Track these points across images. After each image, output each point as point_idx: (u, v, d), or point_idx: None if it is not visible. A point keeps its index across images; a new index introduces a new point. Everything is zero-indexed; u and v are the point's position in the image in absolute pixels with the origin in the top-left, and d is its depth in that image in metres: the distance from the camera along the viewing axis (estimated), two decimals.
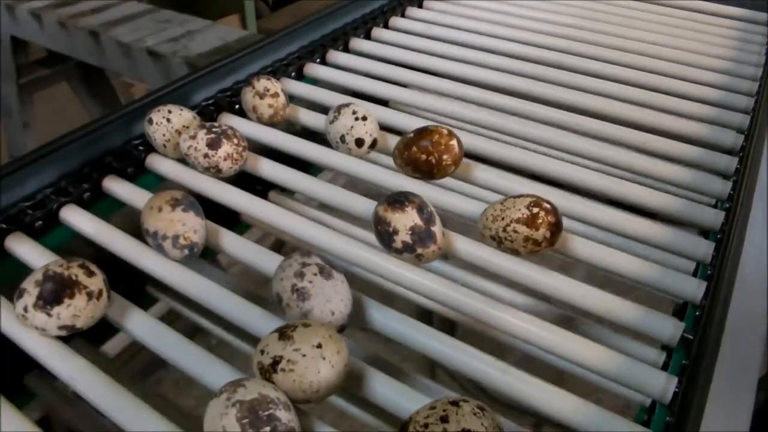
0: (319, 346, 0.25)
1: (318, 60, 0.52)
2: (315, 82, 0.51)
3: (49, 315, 0.28)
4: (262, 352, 0.26)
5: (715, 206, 0.40)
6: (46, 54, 1.20)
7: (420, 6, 0.63)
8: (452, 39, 0.57)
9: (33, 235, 0.37)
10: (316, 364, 0.25)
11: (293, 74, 0.50)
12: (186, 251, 0.34)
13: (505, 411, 0.35)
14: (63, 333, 0.29)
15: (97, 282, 0.30)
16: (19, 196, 0.38)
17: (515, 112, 0.46)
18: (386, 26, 0.59)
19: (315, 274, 0.30)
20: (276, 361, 0.25)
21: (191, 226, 0.34)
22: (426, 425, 0.22)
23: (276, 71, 0.50)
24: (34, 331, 0.29)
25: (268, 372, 0.25)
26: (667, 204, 0.38)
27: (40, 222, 0.37)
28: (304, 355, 0.25)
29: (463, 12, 0.61)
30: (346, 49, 0.55)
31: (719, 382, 0.26)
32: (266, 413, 0.23)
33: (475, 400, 0.23)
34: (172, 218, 0.34)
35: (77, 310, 0.29)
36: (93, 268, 0.30)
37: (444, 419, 0.22)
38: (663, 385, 0.27)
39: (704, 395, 0.25)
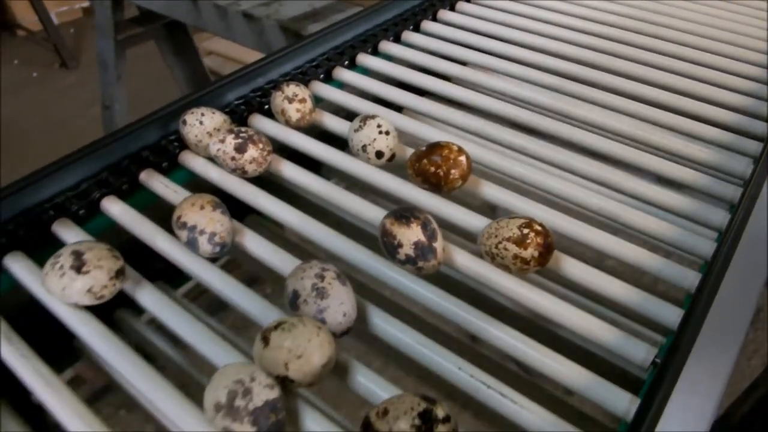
0: (318, 329, 0.30)
1: (346, 63, 0.55)
2: (342, 85, 0.54)
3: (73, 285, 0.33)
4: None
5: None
6: (138, 13, 1.32)
7: (452, 9, 0.65)
8: (481, 46, 0.59)
9: (77, 221, 0.41)
10: (311, 332, 0.29)
11: (322, 77, 0.53)
12: (217, 248, 0.37)
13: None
14: (85, 302, 0.34)
15: (117, 262, 0.34)
16: (66, 186, 0.42)
17: (536, 129, 0.49)
18: (417, 29, 0.61)
19: (333, 279, 0.33)
20: (276, 326, 0.30)
21: (226, 228, 0.38)
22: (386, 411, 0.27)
23: (305, 72, 0.53)
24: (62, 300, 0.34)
25: (268, 332, 0.29)
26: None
27: (83, 210, 0.41)
28: (304, 325, 0.30)
29: (495, 17, 0.63)
30: (375, 52, 0.58)
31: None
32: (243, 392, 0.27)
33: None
34: (212, 217, 0.37)
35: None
36: (115, 252, 0.35)
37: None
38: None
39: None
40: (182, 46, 1.42)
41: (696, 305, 0.32)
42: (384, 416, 0.27)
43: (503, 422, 0.31)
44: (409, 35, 0.60)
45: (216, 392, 0.27)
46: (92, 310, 0.34)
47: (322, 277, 0.33)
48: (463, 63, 0.57)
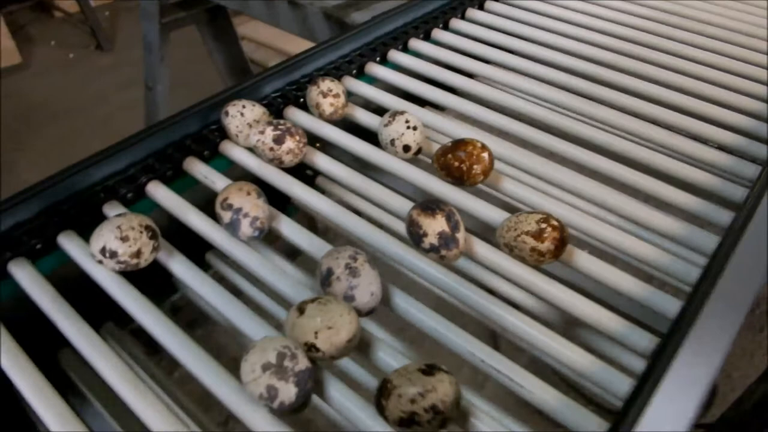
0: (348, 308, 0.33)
1: (378, 59, 0.58)
2: (373, 80, 0.57)
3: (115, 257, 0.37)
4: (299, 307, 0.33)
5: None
6: None
7: (481, 7, 0.67)
8: (508, 46, 0.61)
9: (125, 204, 0.44)
10: (342, 310, 0.33)
11: (354, 72, 0.56)
12: (257, 233, 0.40)
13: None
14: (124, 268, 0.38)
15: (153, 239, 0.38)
16: (115, 170, 0.45)
17: (557, 128, 0.51)
18: (446, 27, 0.64)
19: (365, 262, 0.36)
20: (312, 300, 0.33)
21: (266, 215, 0.41)
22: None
23: (339, 67, 0.56)
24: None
25: (304, 304, 0.33)
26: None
27: (131, 194, 0.45)
28: (337, 303, 0.33)
29: (523, 17, 0.65)
30: (405, 49, 0.60)
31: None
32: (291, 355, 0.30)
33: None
34: (257, 203, 0.40)
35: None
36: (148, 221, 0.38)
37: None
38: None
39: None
40: (222, 30, 1.47)
41: (695, 296, 0.35)
42: (398, 373, 0.31)
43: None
44: (438, 33, 0.62)
45: (265, 354, 0.30)
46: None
47: (354, 259, 0.36)
48: (489, 62, 0.59)
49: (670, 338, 0.32)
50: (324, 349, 0.32)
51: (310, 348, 0.32)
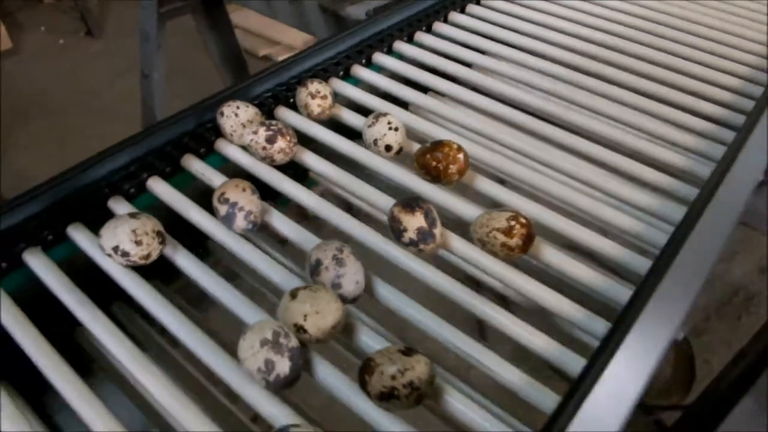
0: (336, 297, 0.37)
1: (363, 61, 0.61)
2: (358, 82, 0.60)
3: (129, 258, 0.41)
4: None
5: None
6: None
7: (462, 11, 0.70)
8: (486, 49, 0.65)
9: (128, 198, 0.48)
10: (330, 298, 0.37)
11: (341, 74, 0.60)
12: (250, 225, 0.44)
13: None
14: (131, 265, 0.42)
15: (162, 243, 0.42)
16: (118, 166, 0.49)
17: (531, 131, 0.55)
18: (429, 30, 0.67)
19: (350, 254, 0.40)
20: (305, 287, 0.37)
21: (259, 210, 0.44)
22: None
23: (326, 69, 0.59)
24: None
25: (296, 291, 0.37)
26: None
27: (133, 189, 0.48)
28: (326, 292, 0.37)
29: (504, 21, 0.69)
30: (390, 51, 0.64)
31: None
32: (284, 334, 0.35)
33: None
34: (251, 199, 0.44)
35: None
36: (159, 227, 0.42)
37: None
38: None
39: None
40: (218, 20, 1.51)
41: (644, 286, 0.39)
42: (381, 353, 0.35)
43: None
44: (421, 36, 0.66)
45: (262, 332, 0.34)
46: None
47: (341, 251, 0.40)
48: (469, 65, 0.63)
49: (619, 323, 0.37)
50: (311, 332, 0.36)
51: (299, 329, 0.36)
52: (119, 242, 0.40)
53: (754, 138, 0.50)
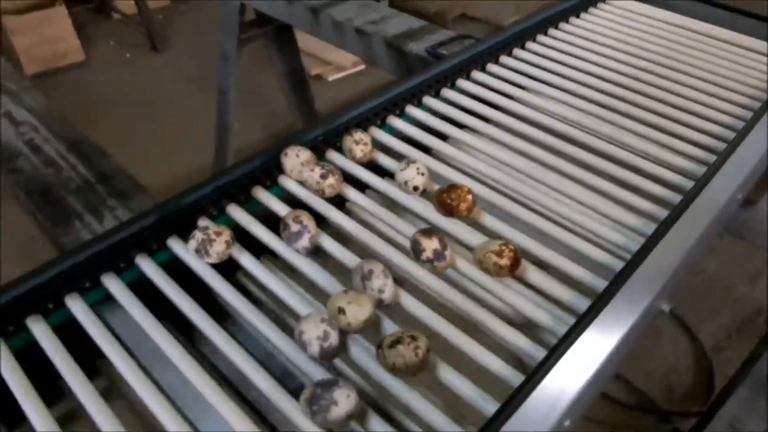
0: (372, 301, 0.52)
1: (398, 113, 0.76)
2: (392, 130, 0.75)
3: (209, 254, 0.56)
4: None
5: None
6: (255, 16, 1.64)
7: (483, 70, 0.85)
8: (506, 107, 0.78)
9: (211, 218, 0.62)
10: (368, 299, 0.51)
11: (378, 123, 0.74)
12: (309, 245, 0.58)
13: None
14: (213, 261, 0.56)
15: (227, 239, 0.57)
16: (205, 195, 0.63)
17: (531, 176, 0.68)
18: (452, 86, 0.82)
19: (382, 271, 0.54)
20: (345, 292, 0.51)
21: (315, 235, 0.59)
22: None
23: (368, 119, 0.74)
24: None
25: (347, 291, 0.51)
26: None
27: (215, 212, 0.63)
28: (365, 295, 0.52)
29: (521, 81, 0.83)
30: (419, 104, 0.78)
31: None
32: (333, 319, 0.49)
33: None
34: (314, 226, 0.59)
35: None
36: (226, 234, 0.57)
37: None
38: None
39: None
40: (287, 46, 1.73)
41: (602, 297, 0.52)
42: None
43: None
44: (446, 92, 0.80)
45: (319, 315, 0.49)
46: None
47: (375, 269, 0.53)
48: (486, 119, 0.77)
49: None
50: (349, 316, 0.50)
51: (340, 311, 0.50)
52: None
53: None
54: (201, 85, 2.62)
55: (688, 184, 0.66)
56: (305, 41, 2.70)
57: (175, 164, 2.12)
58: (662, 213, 0.62)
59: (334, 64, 2.77)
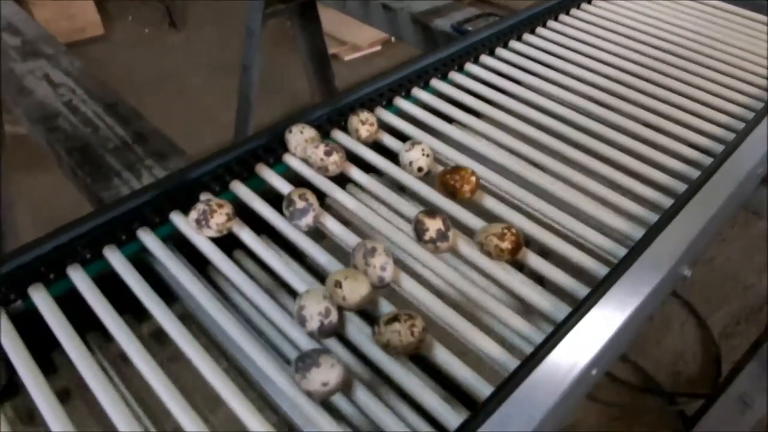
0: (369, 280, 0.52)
1: (404, 94, 0.75)
2: (398, 111, 0.74)
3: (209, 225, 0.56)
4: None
5: None
6: None
7: (492, 54, 0.84)
8: (507, 89, 0.78)
9: (214, 194, 0.62)
10: (364, 277, 0.51)
11: (384, 104, 0.74)
12: (313, 223, 0.58)
13: None
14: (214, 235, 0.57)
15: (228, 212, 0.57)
16: (208, 170, 0.63)
17: (532, 160, 0.68)
18: (461, 70, 0.81)
19: (384, 250, 0.53)
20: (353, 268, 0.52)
21: (319, 214, 0.59)
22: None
23: (373, 99, 0.73)
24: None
25: (348, 269, 0.52)
26: None
27: (218, 188, 0.63)
28: (364, 273, 0.52)
29: (529, 66, 0.82)
30: (426, 86, 0.78)
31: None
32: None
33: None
34: (318, 205, 0.59)
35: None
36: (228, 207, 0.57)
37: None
38: None
39: None
40: (311, 22, 1.75)
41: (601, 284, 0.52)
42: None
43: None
44: (454, 75, 0.79)
45: (320, 291, 0.50)
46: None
47: (376, 247, 0.53)
48: (491, 102, 0.76)
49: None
50: (345, 291, 0.50)
51: (336, 284, 0.50)
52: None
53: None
54: (219, 62, 2.62)
55: (708, 160, 0.67)
56: (324, 20, 2.70)
57: (192, 141, 2.10)
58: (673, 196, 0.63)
59: (351, 44, 2.76)
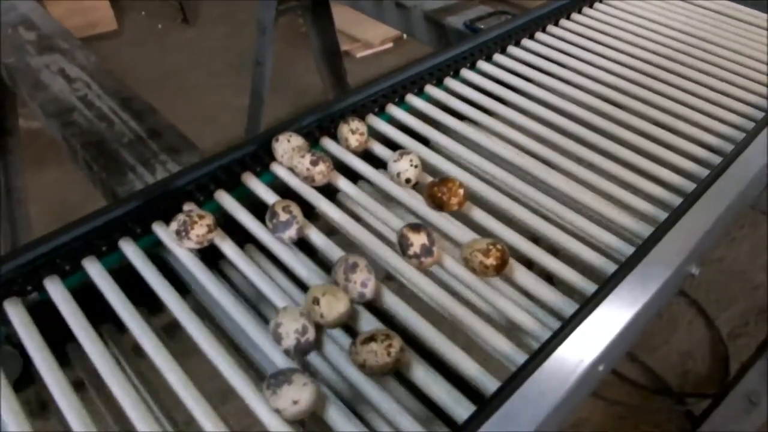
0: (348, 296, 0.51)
1: (397, 101, 0.74)
2: (390, 118, 0.73)
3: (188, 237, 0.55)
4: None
5: None
6: None
7: (488, 59, 0.82)
8: (523, 89, 0.76)
9: (199, 204, 0.62)
10: (343, 294, 0.50)
11: (376, 110, 0.72)
12: (296, 236, 0.57)
13: None
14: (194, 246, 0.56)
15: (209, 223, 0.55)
16: (192, 179, 0.62)
17: (525, 171, 0.66)
18: (456, 75, 0.79)
19: (366, 266, 0.52)
20: (333, 284, 0.51)
21: (303, 226, 0.58)
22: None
23: (365, 106, 0.72)
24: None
25: (326, 285, 0.51)
26: None
27: (202, 197, 0.62)
28: (343, 290, 0.50)
29: (541, 65, 0.80)
30: (420, 92, 0.76)
31: None
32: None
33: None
34: (300, 219, 0.57)
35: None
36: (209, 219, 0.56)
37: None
38: None
39: None
40: (323, 19, 1.75)
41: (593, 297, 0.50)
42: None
43: None
44: (449, 81, 0.78)
45: (297, 310, 0.49)
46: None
47: (357, 263, 0.52)
48: (488, 111, 0.74)
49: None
50: (324, 308, 0.49)
51: (314, 301, 0.49)
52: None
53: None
54: (231, 58, 2.62)
55: (716, 159, 0.67)
56: (336, 17, 2.69)
57: (203, 137, 2.11)
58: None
59: (363, 42, 2.75)
